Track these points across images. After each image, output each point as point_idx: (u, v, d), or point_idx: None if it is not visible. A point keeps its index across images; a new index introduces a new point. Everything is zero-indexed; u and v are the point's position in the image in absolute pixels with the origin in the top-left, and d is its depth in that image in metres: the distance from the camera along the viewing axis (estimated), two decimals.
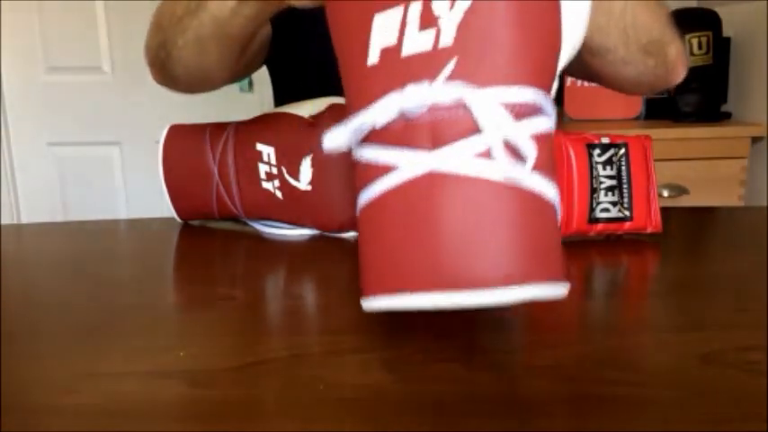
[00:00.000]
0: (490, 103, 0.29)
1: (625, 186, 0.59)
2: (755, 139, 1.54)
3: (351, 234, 0.62)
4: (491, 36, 0.30)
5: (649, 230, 0.60)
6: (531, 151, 0.29)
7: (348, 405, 0.31)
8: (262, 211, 0.66)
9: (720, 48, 1.57)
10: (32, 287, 0.52)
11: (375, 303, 0.31)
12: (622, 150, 0.59)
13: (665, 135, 1.48)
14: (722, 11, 1.55)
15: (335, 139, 0.32)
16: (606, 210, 0.58)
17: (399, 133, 0.30)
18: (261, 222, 0.67)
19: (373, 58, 0.31)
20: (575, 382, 0.33)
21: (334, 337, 0.39)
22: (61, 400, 0.33)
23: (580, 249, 0.57)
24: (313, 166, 0.60)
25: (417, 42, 0.30)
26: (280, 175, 0.62)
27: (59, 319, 0.44)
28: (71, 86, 1.93)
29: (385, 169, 0.31)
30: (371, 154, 0.32)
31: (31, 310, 0.46)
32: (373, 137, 0.32)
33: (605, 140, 0.59)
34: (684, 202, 1.47)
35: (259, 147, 0.63)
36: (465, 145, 0.29)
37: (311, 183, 0.61)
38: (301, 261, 0.57)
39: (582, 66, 0.58)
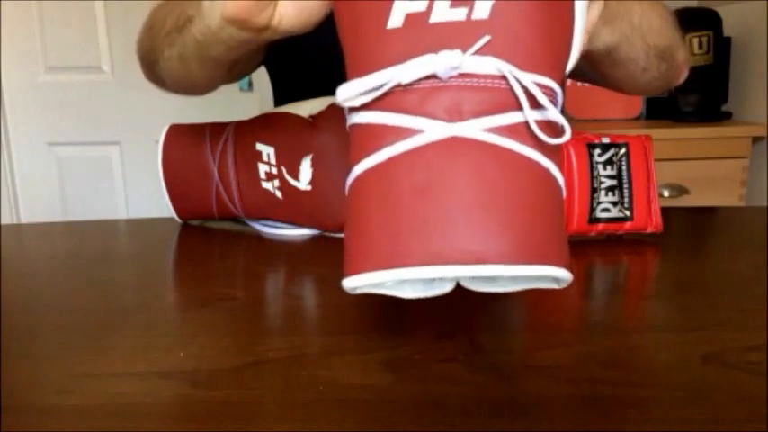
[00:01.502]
0: (529, 84, 0.29)
1: (625, 186, 0.59)
2: (756, 139, 1.54)
3: None
4: (525, 21, 0.30)
5: (650, 230, 0.60)
6: (551, 139, 0.30)
7: (348, 405, 0.31)
8: (261, 211, 0.65)
9: (721, 47, 1.57)
10: (32, 287, 0.52)
11: (371, 278, 0.29)
12: (623, 150, 0.59)
13: (666, 135, 1.48)
14: (723, 11, 1.55)
15: (351, 90, 0.30)
16: (606, 210, 0.58)
17: (419, 97, 0.30)
18: (261, 222, 0.67)
19: (395, 21, 0.30)
20: (575, 383, 0.33)
21: (334, 337, 0.39)
22: (61, 400, 0.33)
23: (580, 249, 0.57)
24: (313, 166, 0.60)
25: (449, 11, 0.29)
26: (280, 175, 0.62)
27: (59, 319, 0.44)
28: (71, 86, 1.93)
29: (399, 133, 0.30)
30: (385, 117, 0.30)
31: (30, 310, 0.46)
32: (385, 102, 0.31)
33: (606, 140, 0.59)
34: (685, 202, 1.47)
35: (259, 147, 0.63)
36: (494, 117, 0.29)
37: (311, 183, 0.61)
38: (301, 261, 0.57)
39: (599, 75, 0.57)
